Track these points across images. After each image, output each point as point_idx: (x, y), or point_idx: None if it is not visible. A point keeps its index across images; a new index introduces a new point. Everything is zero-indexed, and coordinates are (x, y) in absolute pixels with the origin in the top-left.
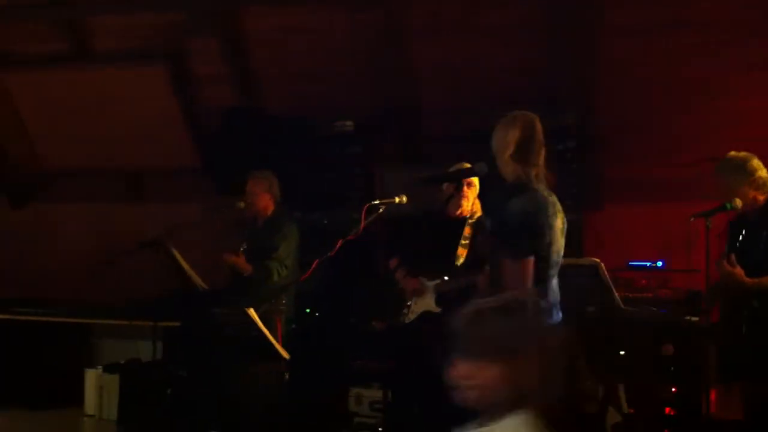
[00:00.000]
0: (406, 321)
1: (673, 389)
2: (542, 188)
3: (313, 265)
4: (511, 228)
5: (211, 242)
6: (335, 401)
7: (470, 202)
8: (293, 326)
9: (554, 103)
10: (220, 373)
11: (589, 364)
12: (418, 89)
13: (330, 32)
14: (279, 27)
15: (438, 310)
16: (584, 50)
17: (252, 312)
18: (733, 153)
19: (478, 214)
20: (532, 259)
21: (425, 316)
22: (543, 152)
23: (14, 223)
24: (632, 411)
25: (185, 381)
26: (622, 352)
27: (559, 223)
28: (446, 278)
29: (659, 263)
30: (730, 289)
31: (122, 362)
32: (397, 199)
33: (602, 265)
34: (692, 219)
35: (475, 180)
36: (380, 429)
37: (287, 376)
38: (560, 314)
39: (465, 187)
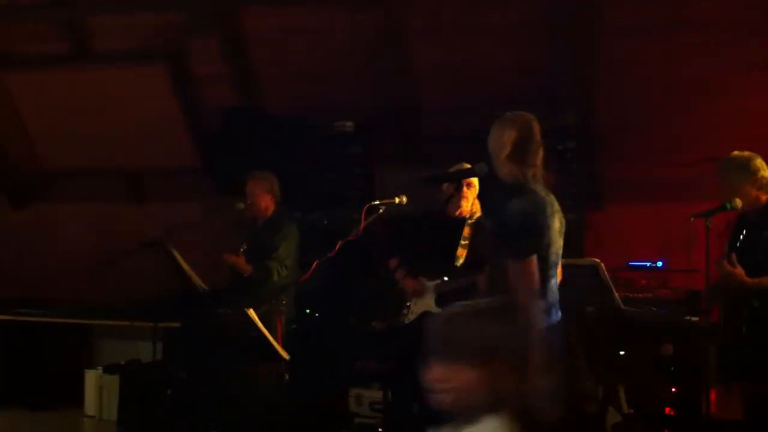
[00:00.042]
0: (406, 321)
1: (673, 389)
2: (540, 189)
3: (313, 266)
4: (512, 229)
5: (211, 242)
6: (335, 402)
7: (470, 203)
8: (293, 326)
9: (554, 103)
10: (220, 373)
11: (589, 364)
12: (418, 89)
13: (330, 32)
14: (279, 27)
15: (438, 310)
16: (584, 50)
17: (252, 312)
18: (736, 152)
19: (478, 214)
20: (534, 257)
21: (425, 316)
22: (540, 153)
23: (14, 223)
24: (632, 411)
25: (185, 381)
26: (622, 352)
27: (557, 223)
28: (446, 278)
29: (659, 263)
30: (731, 288)
31: (122, 363)
32: (396, 200)
33: (602, 265)
34: (692, 219)
35: (475, 180)
36: (380, 429)
37: (287, 377)
38: (559, 314)
39: (464, 188)
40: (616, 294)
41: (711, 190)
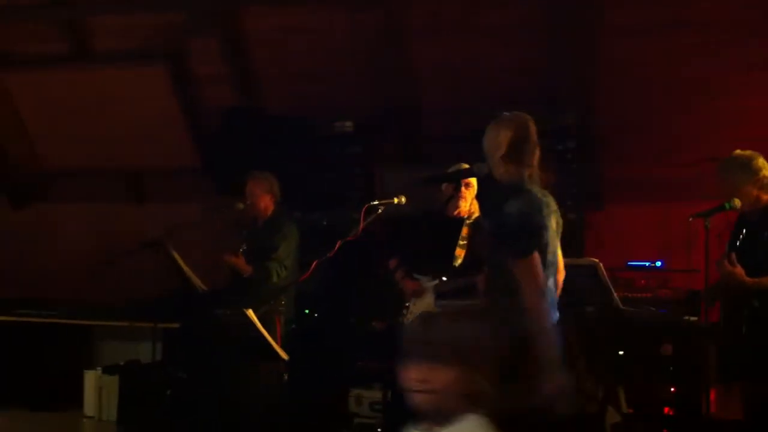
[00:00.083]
0: (406, 322)
1: (673, 389)
2: (536, 189)
3: (312, 266)
4: (510, 229)
5: (211, 242)
6: (335, 402)
7: (468, 203)
8: (293, 327)
9: (554, 103)
10: (220, 373)
11: (588, 364)
12: (418, 89)
13: (330, 32)
14: (279, 27)
15: (437, 310)
16: (584, 50)
17: (251, 313)
18: (738, 151)
19: (476, 214)
20: (536, 255)
21: None
22: (537, 153)
23: (14, 223)
24: (631, 411)
25: (185, 382)
26: (621, 352)
27: (554, 223)
28: (445, 279)
29: (658, 263)
30: (731, 288)
31: (121, 363)
32: (395, 200)
33: (601, 265)
34: (691, 219)
35: (473, 181)
36: (380, 429)
37: (286, 377)
38: (557, 314)
39: (463, 188)
40: (615, 294)
41: (711, 190)
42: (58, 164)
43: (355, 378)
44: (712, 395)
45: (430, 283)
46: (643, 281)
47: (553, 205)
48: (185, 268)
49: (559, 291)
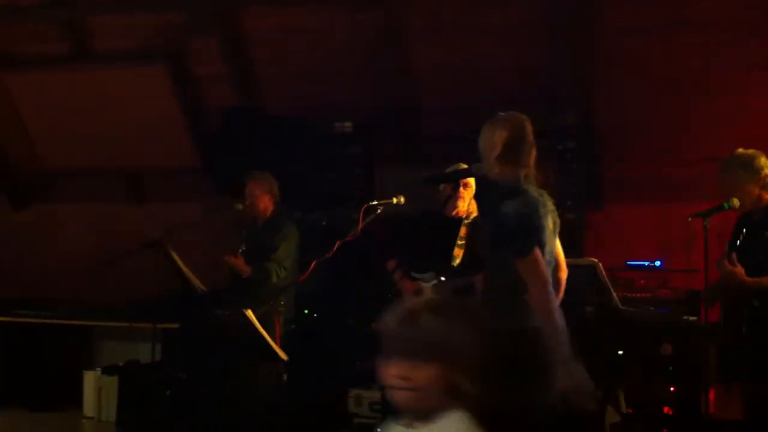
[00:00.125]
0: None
1: (672, 389)
2: (533, 189)
3: (311, 266)
4: (509, 229)
5: (211, 242)
6: (335, 402)
7: (466, 203)
8: (292, 327)
9: (554, 103)
10: (219, 374)
11: (587, 364)
12: (418, 89)
13: (330, 32)
14: (279, 27)
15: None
16: (584, 50)
17: (249, 313)
18: (741, 150)
19: (475, 214)
20: (537, 251)
21: None
22: (533, 153)
23: (14, 223)
24: (631, 411)
25: (184, 382)
26: (620, 352)
27: (551, 223)
28: (443, 279)
29: (657, 263)
30: (731, 288)
31: (121, 364)
32: (394, 200)
33: (600, 265)
34: (690, 219)
35: (472, 181)
36: (379, 429)
37: (286, 377)
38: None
39: (461, 188)
40: (614, 294)
41: (711, 190)
42: (58, 164)
43: (354, 378)
44: (712, 395)
45: (428, 284)
46: (642, 281)
47: (549, 205)
48: (184, 269)
49: (562, 289)
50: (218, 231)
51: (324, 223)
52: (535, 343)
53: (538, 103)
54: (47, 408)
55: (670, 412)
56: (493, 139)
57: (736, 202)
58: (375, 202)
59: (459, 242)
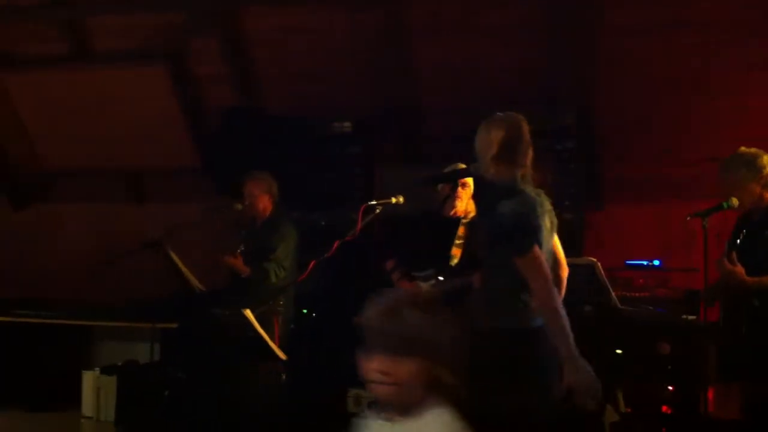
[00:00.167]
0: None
1: (670, 388)
2: (529, 189)
3: (310, 266)
4: (506, 229)
5: (211, 242)
6: (334, 402)
7: (464, 203)
8: (291, 327)
9: (554, 103)
10: (218, 374)
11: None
12: (418, 89)
13: (330, 32)
14: (279, 27)
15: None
16: (584, 50)
17: (248, 313)
18: (743, 148)
19: (473, 214)
20: (537, 248)
21: None
22: (530, 153)
23: (14, 223)
24: (630, 410)
25: (183, 382)
26: (619, 352)
27: (548, 222)
28: (441, 279)
29: (656, 262)
30: (731, 287)
31: (119, 364)
32: (393, 200)
33: (599, 264)
34: (689, 218)
35: (470, 181)
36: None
37: (285, 377)
38: None
39: (459, 188)
40: (613, 293)
41: (711, 190)
42: (58, 164)
43: (353, 378)
44: (710, 394)
45: (425, 284)
46: (641, 280)
47: (547, 204)
48: (183, 269)
49: (564, 287)
50: (218, 231)
51: (323, 223)
52: (536, 343)
53: (538, 103)
54: (47, 408)
55: (669, 412)
56: (489, 139)
57: (735, 201)
58: (374, 202)
59: (457, 242)
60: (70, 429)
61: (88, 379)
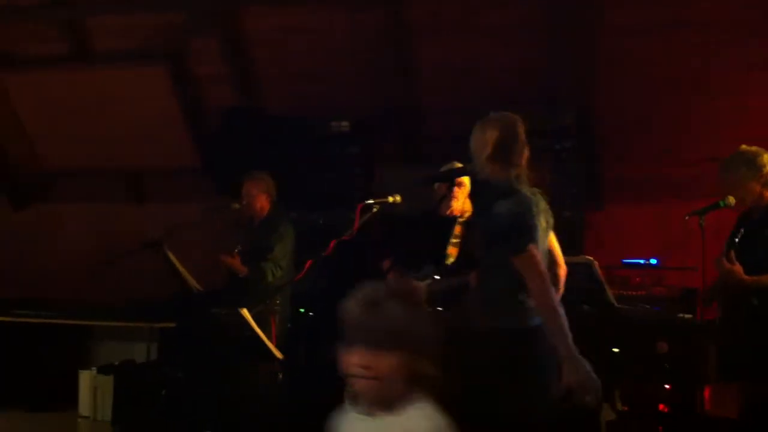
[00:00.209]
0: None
1: (668, 387)
2: (525, 189)
3: (307, 265)
4: (502, 229)
5: (211, 242)
6: (331, 401)
7: (460, 202)
8: (288, 326)
9: (554, 102)
10: (215, 373)
11: None
12: (418, 89)
13: (330, 32)
14: (279, 27)
15: (430, 310)
16: (584, 50)
17: (245, 312)
18: (744, 147)
19: (469, 213)
20: (533, 247)
21: None
22: (526, 153)
23: (14, 223)
24: (626, 408)
25: (180, 382)
26: (616, 350)
27: (544, 222)
28: (437, 278)
29: (653, 261)
30: (729, 286)
31: (116, 363)
32: (390, 199)
33: (596, 263)
34: (687, 217)
35: (466, 180)
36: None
37: (282, 376)
38: None
39: (455, 188)
40: (610, 292)
41: (711, 189)
42: (58, 164)
43: None
44: (707, 393)
45: (422, 283)
46: (638, 279)
47: (542, 204)
48: (181, 269)
49: (562, 286)
50: (218, 231)
51: (321, 222)
52: (535, 342)
53: (538, 103)
54: (47, 408)
55: (666, 410)
56: (483, 139)
57: (731, 200)
58: (371, 201)
59: (453, 241)
60: (66, 429)
61: (85, 378)
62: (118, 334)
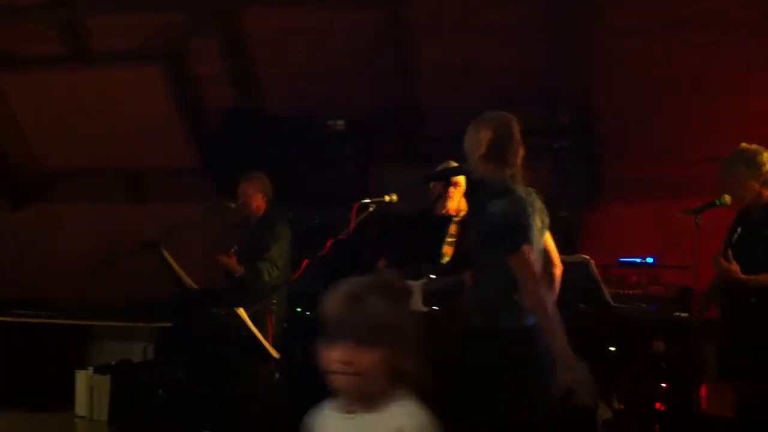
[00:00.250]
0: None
1: (664, 385)
2: (520, 188)
3: (303, 265)
4: (496, 229)
5: (211, 242)
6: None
7: (455, 202)
8: (285, 326)
9: (554, 102)
10: (212, 373)
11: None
12: (418, 89)
13: (330, 32)
14: (279, 27)
15: (425, 309)
16: (584, 50)
17: (242, 312)
18: (744, 145)
19: (464, 212)
20: (527, 247)
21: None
22: (521, 152)
23: (14, 223)
24: (623, 407)
25: (177, 381)
26: (612, 349)
27: (539, 222)
28: (433, 277)
29: (649, 259)
30: (727, 285)
31: (113, 363)
32: (387, 198)
33: (592, 262)
34: (681, 215)
35: (461, 179)
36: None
37: (278, 376)
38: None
39: (451, 188)
40: (606, 291)
41: (711, 189)
42: (58, 164)
43: None
44: (704, 392)
45: (417, 282)
46: (634, 278)
47: (538, 204)
48: (177, 269)
49: (557, 285)
50: (218, 231)
51: (317, 221)
52: (532, 342)
53: (538, 103)
54: (47, 408)
55: (662, 409)
56: (477, 139)
57: (727, 198)
58: (367, 200)
59: (448, 240)
60: (63, 429)
61: (82, 378)
62: (118, 334)
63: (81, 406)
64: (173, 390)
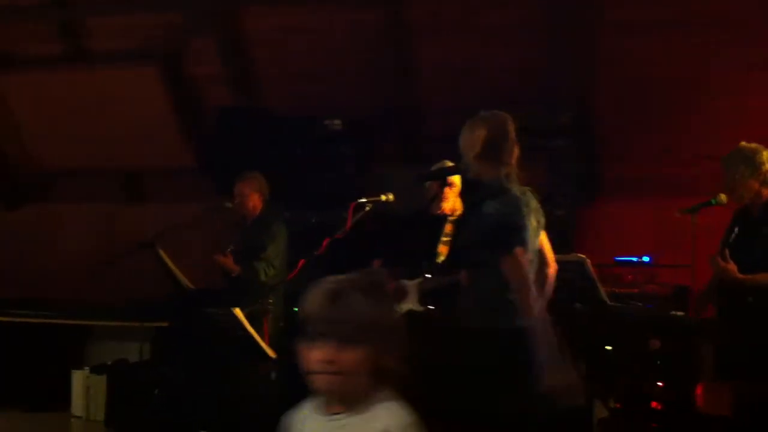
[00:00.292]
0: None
1: (660, 384)
2: (515, 188)
3: (299, 265)
4: (491, 229)
5: (210, 242)
6: None
7: (451, 202)
8: (281, 325)
9: (554, 102)
10: (208, 372)
11: (575, 360)
12: (418, 89)
13: (330, 32)
14: (279, 27)
15: (422, 309)
16: (584, 50)
17: (238, 312)
18: (743, 143)
19: (459, 211)
20: (519, 249)
21: (409, 315)
22: (516, 152)
23: (14, 223)
24: (619, 406)
25: (173, 381)
26: (608, 348)
27: (534, 222)
28: (428, 276)
29: (645, 258)
30: (725, 283)
31: (109, 363)
32: (383, 197)
33: (588, 261)
34: (678, 214)
35: (457, 179)
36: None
37: (274, 375)
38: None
39: (446, 187)
40: (602, 290)
41: (711, 189)
42: (57, 164)
43: None
44: (700, 390)
45: (412, 282)
46: (630, 277)
47: (533, 203)
48: (173, 269)
49: (551, 285)
50: (217, 231)
51: (313, 221)
52: (525, 342)
53: (538, 103)
54: (46, 408)
55: (659, 407)
56: (472, 138)
57: (723, 197)
58: (363, 200)
59: (444, 239)
60: (59, 429)
61: (78, 378)
62: (118, 334)
63: (77, 406)
64: (169, 390)
